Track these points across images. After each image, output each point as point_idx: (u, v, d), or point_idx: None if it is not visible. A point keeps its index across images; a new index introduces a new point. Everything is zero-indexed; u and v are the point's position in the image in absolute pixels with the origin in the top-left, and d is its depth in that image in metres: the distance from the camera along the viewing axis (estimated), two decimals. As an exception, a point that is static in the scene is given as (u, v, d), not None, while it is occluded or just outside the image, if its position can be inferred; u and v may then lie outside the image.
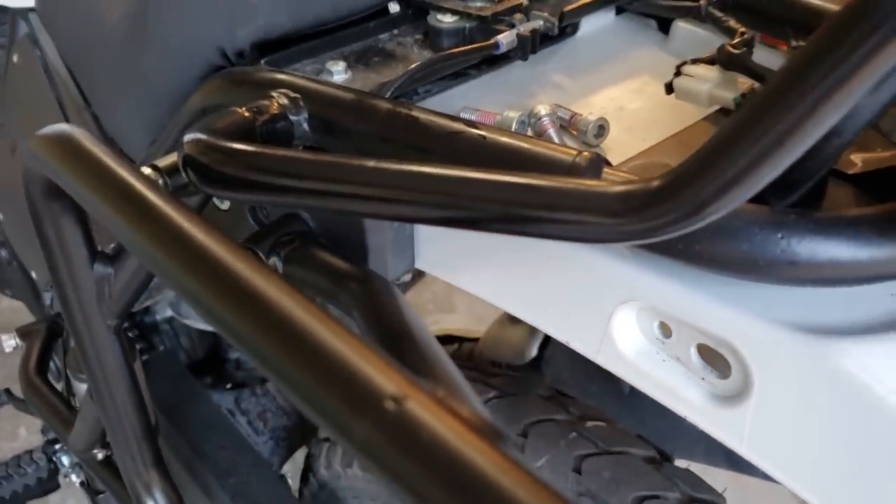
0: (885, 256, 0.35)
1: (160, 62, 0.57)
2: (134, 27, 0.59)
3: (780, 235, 0.35)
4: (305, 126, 0.47)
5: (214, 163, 0.37)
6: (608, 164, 0.40)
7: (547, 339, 1.00)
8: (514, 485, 0.21)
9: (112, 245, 0.48)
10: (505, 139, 0.41)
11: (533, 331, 0.99)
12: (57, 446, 1.14)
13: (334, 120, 0.46)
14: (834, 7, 0.56)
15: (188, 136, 0.39)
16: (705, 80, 0.51)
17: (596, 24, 0.67)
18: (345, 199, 0.35)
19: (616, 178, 0.32)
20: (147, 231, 0.35)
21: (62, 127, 0.39)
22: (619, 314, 0.41)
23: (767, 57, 0.54)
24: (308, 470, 0.92)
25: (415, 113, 0.44)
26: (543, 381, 0.81)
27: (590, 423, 0.71)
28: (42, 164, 0.40)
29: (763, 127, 0.26)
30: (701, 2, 0.61)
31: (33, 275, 0.98)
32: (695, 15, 0.62)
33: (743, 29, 0.57)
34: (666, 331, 0.41)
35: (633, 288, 0.41)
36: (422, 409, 0.23)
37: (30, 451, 1.15)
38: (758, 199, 0.37)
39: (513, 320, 1.04)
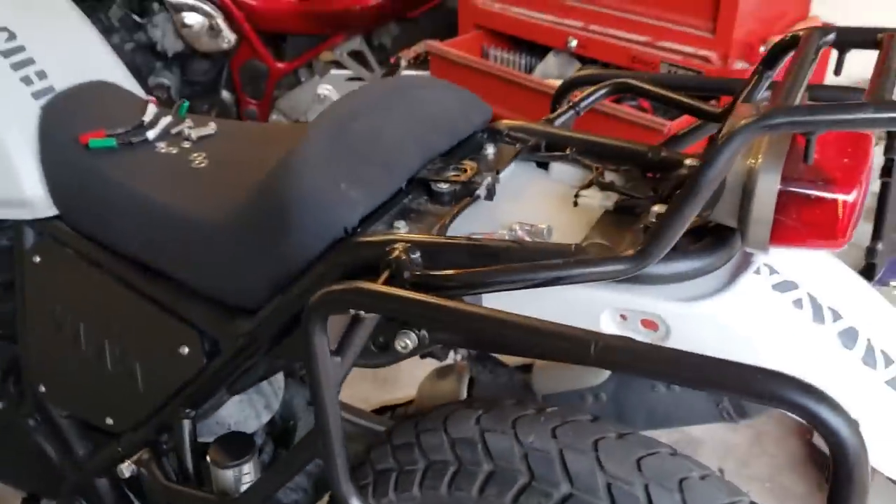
0: (702, 265, 0.85)
1: (295, 241, 0.95)
2: (266, 219, 0.96)
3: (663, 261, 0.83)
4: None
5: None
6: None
7: (471, 382, 1.41)
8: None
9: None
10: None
11: (460, 377, 1.37)
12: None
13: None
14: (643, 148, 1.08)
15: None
16: (592, 198, 1.00)
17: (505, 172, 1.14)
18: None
19: (613, 252, 0.78)
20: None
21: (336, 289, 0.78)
22: (602, 314, 0.88)
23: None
24: None
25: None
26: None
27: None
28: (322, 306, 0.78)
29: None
30: (568, 150, 1.11)
31: (108, 420, 1.23)
32: (566, 158, 1.12)
33: (597, 166, 1.07)
34: (623, 318, 0.88)
35: (606, 301, 0.87)
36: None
37: None
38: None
39: (440, 374, 1.38)
